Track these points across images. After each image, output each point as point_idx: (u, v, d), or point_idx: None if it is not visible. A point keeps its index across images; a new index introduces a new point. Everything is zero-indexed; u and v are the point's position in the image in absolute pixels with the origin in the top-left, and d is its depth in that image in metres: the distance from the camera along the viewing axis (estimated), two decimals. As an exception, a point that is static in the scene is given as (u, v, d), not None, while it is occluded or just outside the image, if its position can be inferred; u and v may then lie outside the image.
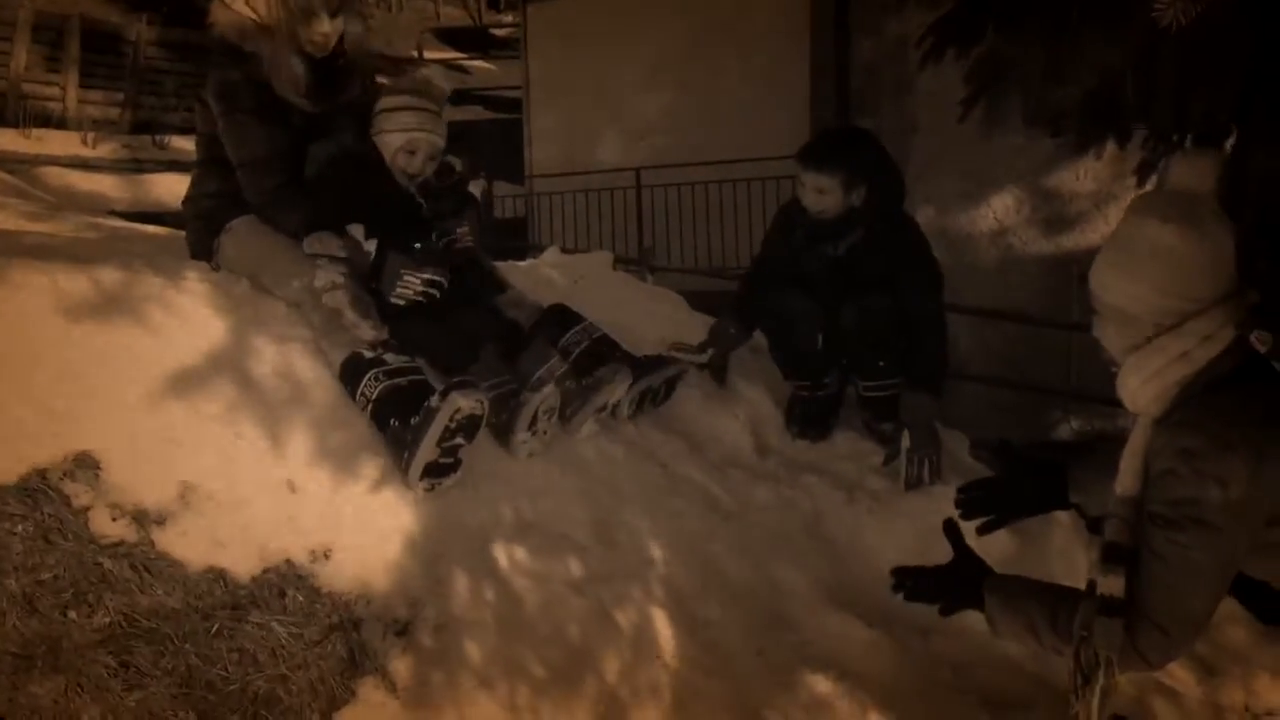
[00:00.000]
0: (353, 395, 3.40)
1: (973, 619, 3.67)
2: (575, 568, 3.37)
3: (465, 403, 3.24)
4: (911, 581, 2.77)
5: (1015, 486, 2.87)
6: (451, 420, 3.23)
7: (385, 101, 3.78)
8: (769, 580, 3.63)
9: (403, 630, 3.04)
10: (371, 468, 3.30)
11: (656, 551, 3.51)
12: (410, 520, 3.24)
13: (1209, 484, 2.25)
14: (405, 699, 2.92)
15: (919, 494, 4.04)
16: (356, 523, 3.18)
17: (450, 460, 3.29)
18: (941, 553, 3.82)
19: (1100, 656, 2.38)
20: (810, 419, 4.31)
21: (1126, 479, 2.40)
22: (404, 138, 3.72)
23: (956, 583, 2.71)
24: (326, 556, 3.10)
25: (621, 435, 3.89)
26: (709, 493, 3.83)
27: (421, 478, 3.27)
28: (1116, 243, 2.42)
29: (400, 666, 2.97)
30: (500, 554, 3.28)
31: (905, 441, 4.06)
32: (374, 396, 3.35)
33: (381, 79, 4.06)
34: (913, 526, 3.91)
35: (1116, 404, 2.52)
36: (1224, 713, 3.77)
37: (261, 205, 3.67)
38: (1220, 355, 2.32)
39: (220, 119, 3.68)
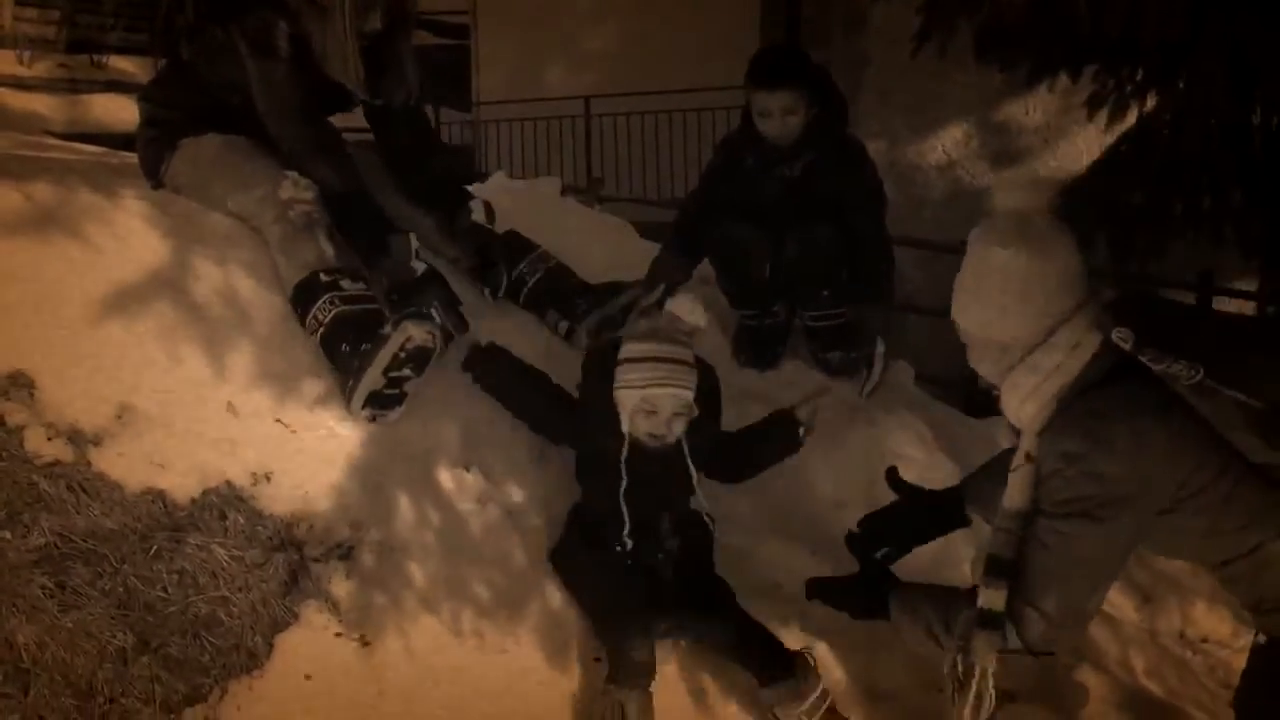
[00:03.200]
0: (303, 319, 3.31)
1: (917, 549, 3.74)
2: (519, 492, 3.35)
3: (417, 332, 3.16)
4: (822, 590, 2.89)
5: (912, 514, 2.99)
6: (401, 349, 3.16)
7: (626, 349, 3.23)
8: (714, 508, 3.63)
9: (345, 553, 3.01)
10: (314, 391, 3.25)
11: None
12: (353, 444, 3.20)
13: (1091, 482, 2.32)
14: (348, 621, 2.90)
15: (865, 423, 4.05)
16: (298, 446, 3.14)
17: (395, 392, 3.23)
18: (883, 481, 3.87)
19: (976, 666, 2.50)
20: (757, 348, 4.30)
21: (1014, 493, 2.46)
22: (639, 395, 3.17)
23: (864, 593, 2.80)
24: (268, 479, 3.06)
25: (569, 361, 3.84)
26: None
27: (364, 406, 3.21)
28: (968, 276, 2.47)
29: (343, 589, 2.95)
30: (444, 478, 3.26)
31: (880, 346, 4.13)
32: (326, 320, 3.26)
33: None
34: (856, 456, 3.93)
35: None
36: (1160, 639, 3.85)
37: (296, 153, 3.49)
38: (1091, 360, 2.38)
39: (254, 62, 3.47)
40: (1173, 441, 2.33)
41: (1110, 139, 5.41)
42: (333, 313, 3.25)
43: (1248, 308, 6.08)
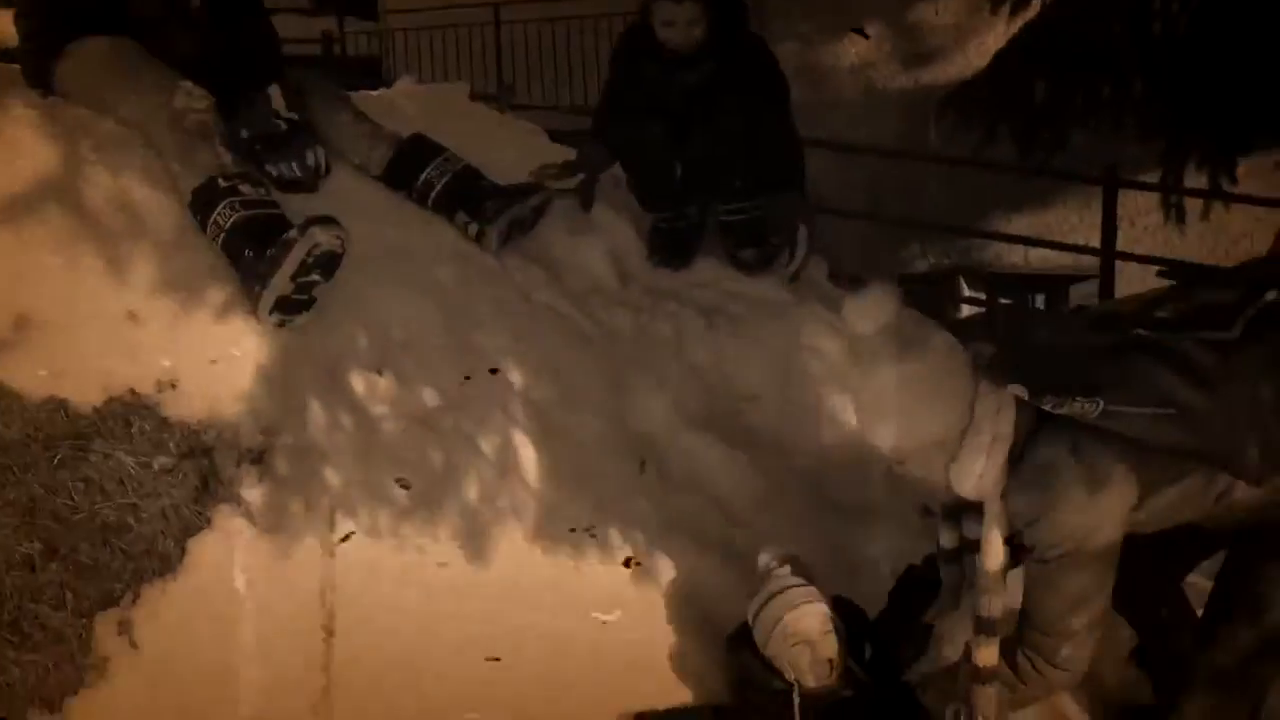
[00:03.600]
0: (203, 225, 3.25)
1: (827, 435, 3.79)
2: (433, 395, 3.33)
3: (324, 237, 3.11)
4: None
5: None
6: (309, 255, 3.11)
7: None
8: (631, 403, 3.65)
9: (258, 458, 2.98)
10: (218, 296, 3.18)
11: (517, 377, 3.49)
12: (261, 348, 3.15)
13: (1061, 533, 2.39)
14: (263, 526, 2.88)
15: (779, 318, 4.07)
16: (204, 352, 3.09)
17: (304, 297, 3.19)
18: (797, 375, 3.91)
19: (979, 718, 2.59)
20: (670, 248, 4.29)
21: (991, 556, 2.50)
22: None
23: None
24: (173, 386, 3.01)
25: (480, 263, 3.82)
26: (569, 319, 3.80)
27: (272, 312, 3.16)
28: (871, 405, 2.51)
29: (257, 494, 2.92)
30: (357, 382, 3.23)
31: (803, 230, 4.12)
32: (227, 226, 3.19)
33: None
34: (771, 349, 3.95)
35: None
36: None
37: None
38: (1019, 414, 2.43)
39: None
40: (1123, 459, 2.39)
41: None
42: (233, 218, 3.19)
43: (1152, 200, 6.15)
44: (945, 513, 2.74)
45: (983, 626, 2.53)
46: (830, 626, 2.91)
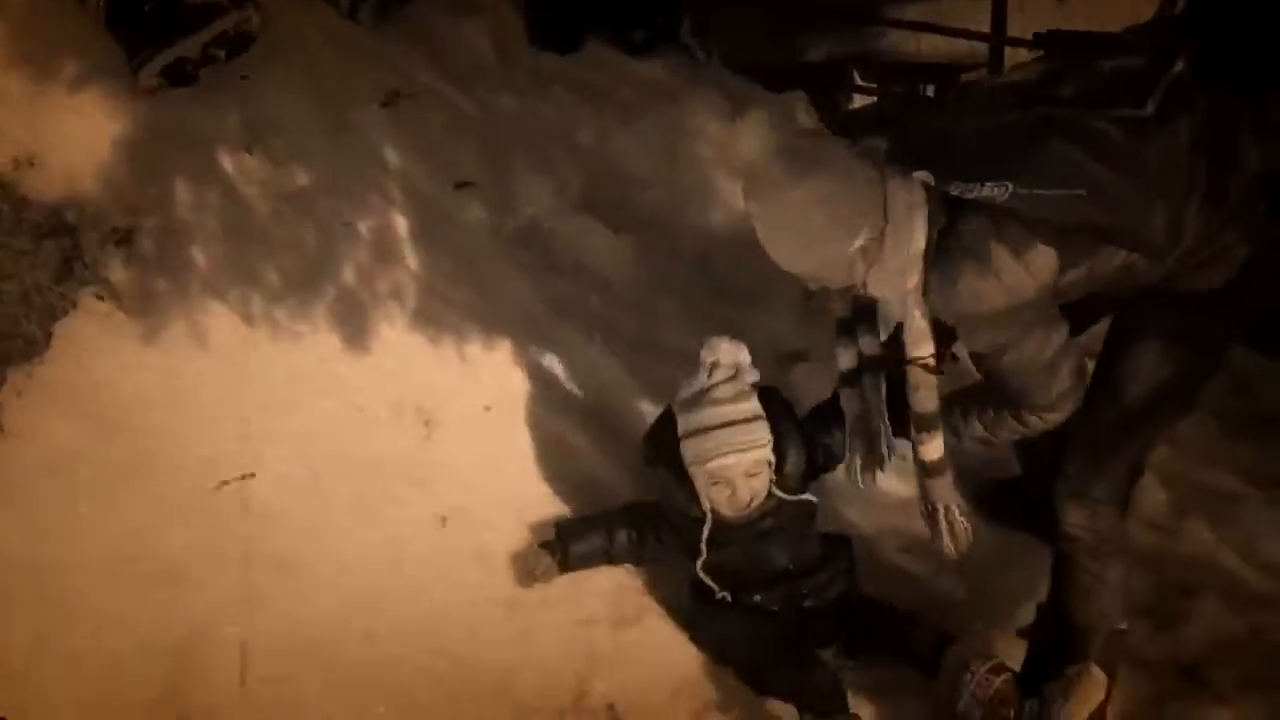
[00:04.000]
0: None
1: (716, 220, 3.77)
2: (305, 176, 3.22)
3: (257, 18, 3.05)
4: None
5: None
6: (235, 28, 3.00)
7: (681, 423, 2.79)
8: (516, 186, 3.57)
9: (123, 239, 2.87)
10: (75, 69, 3.02)
11: (394, 157, 3.38)
12: (124, 125, 3.01)
13: (995, 297, 2.31)
14: (130, 308, 2.80)
15: (668, 102, 3.98)
16: (62, 127, 2.94)
17: (195, 72, 3.05)
18: (686, 158, 3.85)
19: (939, 508, 2.57)
20: (555, 30, 4.14)
21: (918, 344, 2.44)
22: (704, 471, 2.75)
23: None
24: (31, 164, 2.87)
25: (355, 43, 3.66)
26: (450, 100, 3.68)
27: (158, 73, 3.00)
28: (778, 232, 2.37)
29: (123, 276, 2.83)
30: (225, 161, 3.10)
31: None
32: None
33: None
34: (659, 133, 3.88)
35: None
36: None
37: None
38: (930, 207, 2.35)
39: None
40: (1038, 235, 2.32)
41: None
42: None
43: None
44: (841, 329, 2.66)
45: (922, 423, 2.50)
46: (760, 469, 2.74)
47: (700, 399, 2.75)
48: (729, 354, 2.78)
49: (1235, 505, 3.20)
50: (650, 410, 3.18)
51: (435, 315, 3.17)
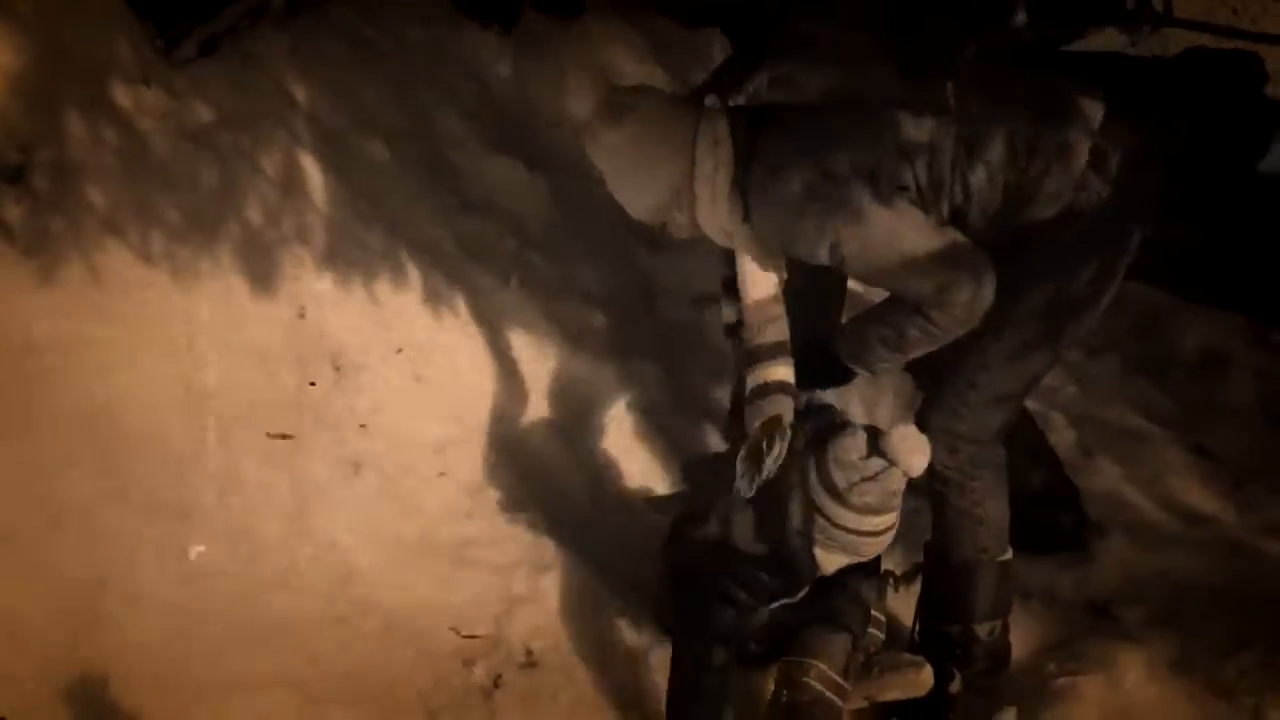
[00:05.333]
0: None
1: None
2: (207, 112, 3.10)
3: None
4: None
5: None
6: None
7: (834, 514, 2.44)
8: (427, 125, 3.48)
9: (15, 176, 2.73)
10: (-44, -5, 2.86)
11: (300, 93, 3.27)
12: (12, 56, 2.85)
13: (822, 207, 2.34)
14: (24, 248, 2.65)
15: (577, 40, 3.90)
16: (-55, 59, 2.79)
17: (218, 42, 2.95)
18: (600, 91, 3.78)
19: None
20: None
21: (755, 282, 2.50)
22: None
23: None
24: (-88, 96, 2.72)
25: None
26: (358, 31, 3.56)
27: (198, 49, 2.93)
28: (614, 177, 2.55)
29: (14, 214, 2.68)
30: (120, 95, 2.96)
31: None
32: None
33: None
34: (574, 68, 3.81)
35: None
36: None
37: None
38: (734, 137, 2.43)
39: None
40: (833, 126, 2.39)
41: None
42: None
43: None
44: (724, 286, 2.69)
45: (752, 357, 2.51)
46: None
47: (859, 494, 2.40)
48: (915, 452, 2.39)
49: (1142, 444, 3.26)
50: (568, 356, 3.15)
51: (344, 255, 3.08)
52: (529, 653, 2.58)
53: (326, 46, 3.39)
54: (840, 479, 2.38)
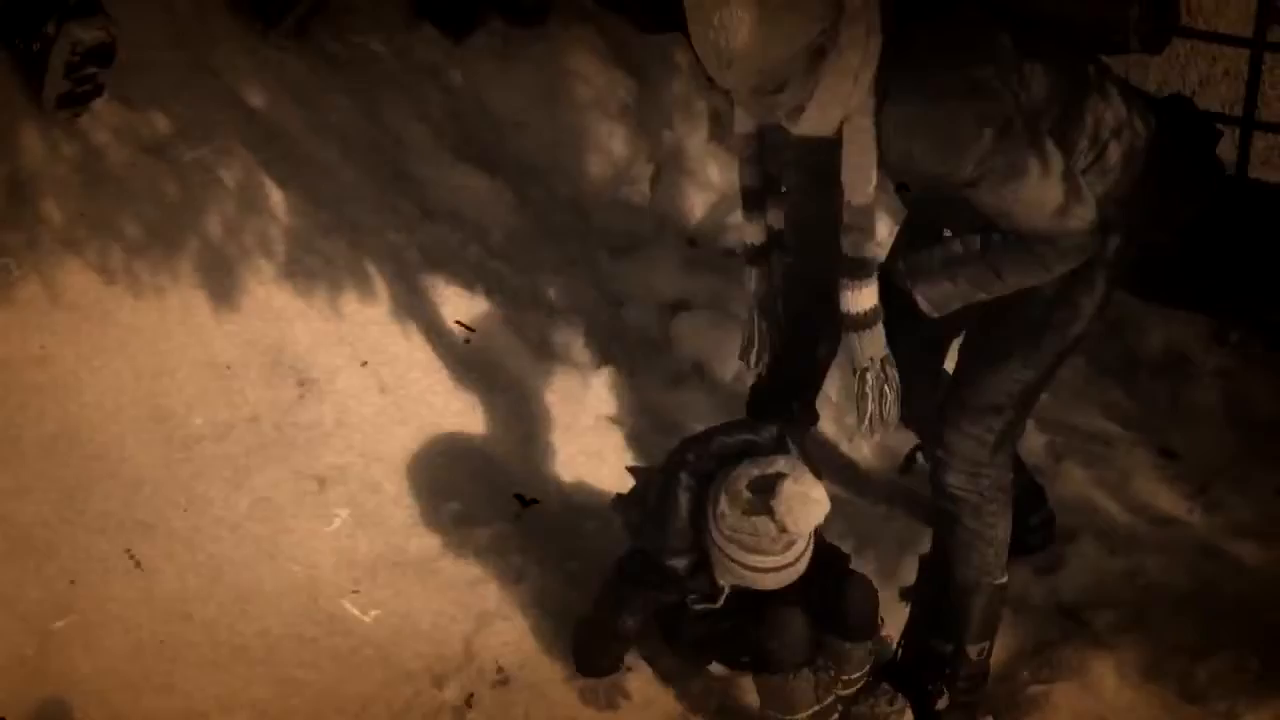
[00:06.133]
0: None
1: (592, 166, 3.69)
2: (164, 123, 3.05)
3: (86, 34, 2.79)
4: None
5: None
6: (74, 53, 2.79)
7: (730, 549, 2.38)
8: (389, 132, 3.45)
9: (-32, 192, 2.70)
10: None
11: (257, 100, 3.23)
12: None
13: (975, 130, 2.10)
14: (-22, 265, 2.63)
15: (540, 41, 3.85)
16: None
17: (88, 88, 2.87)
18: (564, 101, 3.76)
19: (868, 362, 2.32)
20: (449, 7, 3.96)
21: (859, 187, 2.20)
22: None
23: None
24: None
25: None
26: (317, 40, 3.51)
27: (59, 108, 2.84)
28: (725, 32, 2.03)
29: (-31, 231, 2.66)
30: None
31: None
32: None
33: None
34: (532, 74, 3.77)
35: None
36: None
37: None
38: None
39: None
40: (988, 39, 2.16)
41: None
42: None
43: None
44: (750, 202, 2.47)
45: (853, 269, 2.26)
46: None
47: (734, 528, 2.34)
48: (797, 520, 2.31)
49: (1108, 448, 3.27)
50: (534, 365, 3.12)
51: (306, 267, 3.05)
52: (500, 669, 2.56)
53: (285, 55, 3.35)
54: (724, 504, 2.33)
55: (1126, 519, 3.05)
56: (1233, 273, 3.62)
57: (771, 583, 2.38)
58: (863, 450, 3.20)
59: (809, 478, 2.32)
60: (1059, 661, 2.63)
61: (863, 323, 2.30)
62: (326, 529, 2.70)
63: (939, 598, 2.57)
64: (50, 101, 2.85)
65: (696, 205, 3.73)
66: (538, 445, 3.03)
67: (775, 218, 2.50)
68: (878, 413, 2.34)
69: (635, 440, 3.06)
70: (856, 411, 2.36)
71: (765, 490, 2.29)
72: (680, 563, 2.43)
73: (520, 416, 3.07)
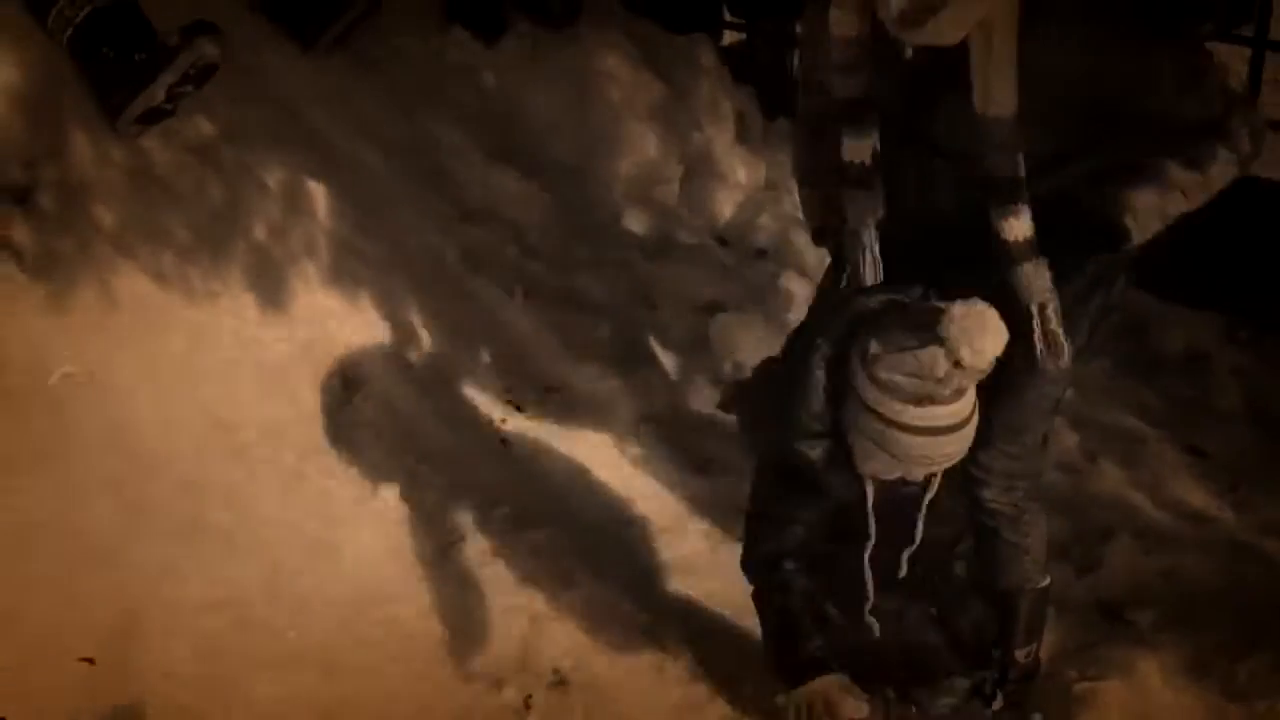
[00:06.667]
0: (43, 19, 2.83)
1: (625, 167, 3.72)
2: (207, 126, 3.07)
3: (211, 49, 2.81)
4: None
5: None
6: (192, 67, 2.79)
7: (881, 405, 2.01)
8: (426, 135, 3.47)
9: (22, 196, 2.70)
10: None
11: (300, 105, 3.25)
12: (15, 74, 2.80)
13: None
14: (34, 271, 2.63)
15: (569, 44, 3.88)
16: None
17: (170, 107, 2.87)
18: (595, 102, 3.79)
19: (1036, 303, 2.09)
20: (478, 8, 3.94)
21: (1002, 98, 1.99)
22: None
23: None
24: (-82, 115, 2.67)
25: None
26: (356, 42, 3.52)
27: (139, 123, 2.85)
28: None
29: (23, 235, 2.66)
30: (124, 110, 2.93)
31: None
32: (77, 20, 2.80)
33: None
34: (565, 76, 3.80)
35: None
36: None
37: None
38: None
39: None
40: None
41: None
42: (84, 10, 2.79)
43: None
44: (855, 114, 2.17)
45: (1005, 192, 2.04)
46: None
47: (887, 367, 1.98)
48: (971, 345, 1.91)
49: (1138, 446, 3.31)
50: (574, 367, 3.15)
51: (349, 270, 3.07)
52: (556, 671, 2.58)
53: (325, 58, 3.36)
54: (875, 346, 1.96)
55: (1161, 517, 3.09)
56: (1237, 270, 3.67)
57: (935, 454, 2.03)
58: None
59: (981, 303, 1.92)
60: (1104, 660, 2.66)
61: (1026, 252, 2.08)
62: (380, 530, 2.72)
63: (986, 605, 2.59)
64: (131, 116, 2.84)
65: (725, 206, 3.78)
66: (580, 448, 3.05)
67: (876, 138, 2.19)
68: (1053, 357, 2.11)
69: (676, 442, 3.09)
70: (1040, 353, 2.09)
71: (926, 327, 1.92)
72: (814, 449, 2.09)
73: (563, 419, 3.09)
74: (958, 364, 1.90)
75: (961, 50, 1.97)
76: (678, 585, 2.77)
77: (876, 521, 2.21)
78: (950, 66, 2.00)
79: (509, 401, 3.06)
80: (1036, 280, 2.08)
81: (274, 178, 3.08)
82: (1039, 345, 2.09)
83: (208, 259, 2.86)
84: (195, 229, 2.88)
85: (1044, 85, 1.98)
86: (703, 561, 2.81)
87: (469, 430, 2.96)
